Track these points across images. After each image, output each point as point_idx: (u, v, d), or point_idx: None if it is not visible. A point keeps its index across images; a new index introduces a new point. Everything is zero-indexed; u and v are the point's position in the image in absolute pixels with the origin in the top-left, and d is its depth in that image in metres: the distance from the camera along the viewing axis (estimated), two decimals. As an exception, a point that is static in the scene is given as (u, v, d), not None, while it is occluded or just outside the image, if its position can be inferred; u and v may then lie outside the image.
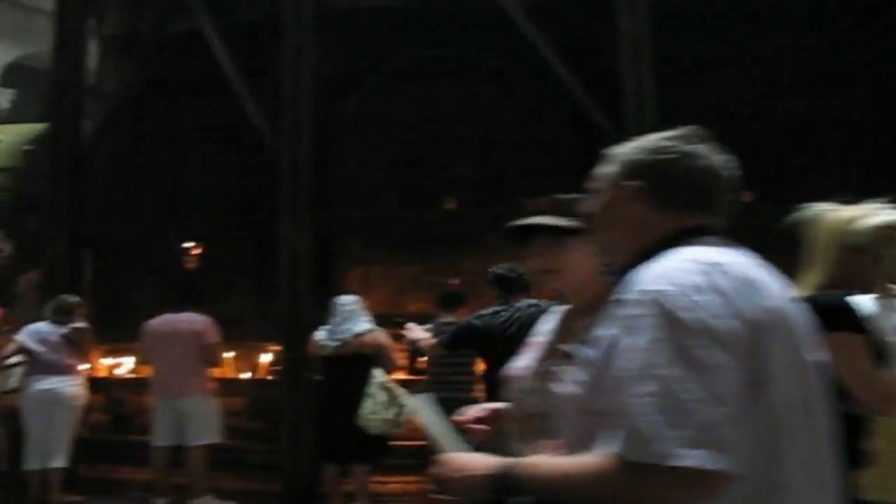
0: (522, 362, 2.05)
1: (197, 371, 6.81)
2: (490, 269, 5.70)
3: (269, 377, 7.48)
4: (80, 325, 7.14)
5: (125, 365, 7.91)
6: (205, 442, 6.68)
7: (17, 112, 16.43)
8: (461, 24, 7.72)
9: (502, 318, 5.26)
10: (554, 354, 2.00)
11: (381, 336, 6.32)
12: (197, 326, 6.80)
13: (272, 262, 7.70)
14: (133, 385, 7.71)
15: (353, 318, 6.40)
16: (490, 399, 5.66)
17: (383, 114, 8.09)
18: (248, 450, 6.96)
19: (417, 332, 5.84)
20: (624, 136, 5.37)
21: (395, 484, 6.69)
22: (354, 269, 7.77)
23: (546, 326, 2.11)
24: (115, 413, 7.73)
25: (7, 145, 10.17)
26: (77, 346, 7.09)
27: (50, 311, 7.16)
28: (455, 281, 7.64)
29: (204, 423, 6.70)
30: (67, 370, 7.02)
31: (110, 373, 7.98)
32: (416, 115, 8.08)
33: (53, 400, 6.91)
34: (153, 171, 8.51)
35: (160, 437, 6.77)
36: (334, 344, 6.37)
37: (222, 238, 8.06)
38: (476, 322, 5.47)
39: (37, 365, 6.95)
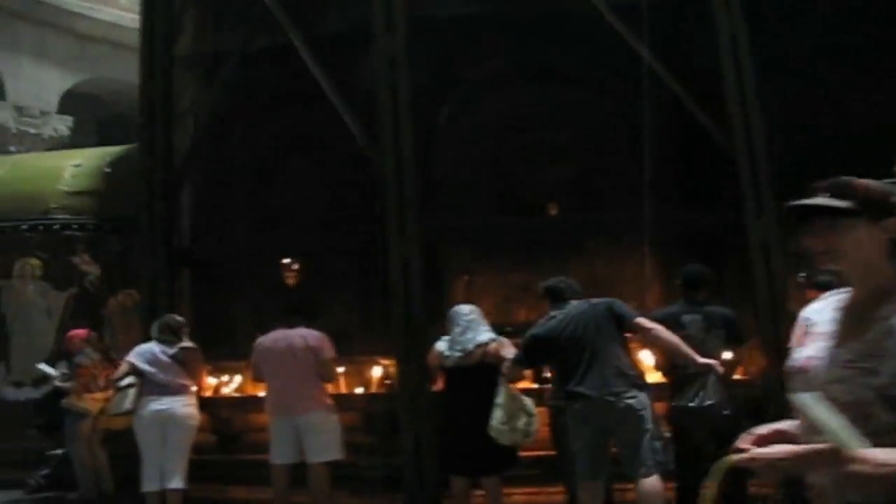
0: (807, 352, 1.96)
1: (315, 387, 6.73)
2: (539, 284, 5.82)
3: (382, 391, 7.39)
4: (187, 344, 7.11)
5: (230, 383, 7.85)
6: (327, 459, 6.60)
7: (73, 138, 16.57)
8: (551, 29, 7.64)
9: (558, 320, 5.45)
10: (845, 342, 1.91)
11: (506, 345, 6.26)
12: (312, 342, 6.74)
13: (374, 274, 7.65)
14: (239, 404, 7.65)
15: (475, 327, 6.36)
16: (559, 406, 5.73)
17: (475, 122, 8.02)
18: (365, 465, 6.87)
19: (507, 350, 5.91)
20: (728, 136, 5.32)
21: (520, 495, 6.58)
22: (458, 278, 7.68)
23: (822, 315, 2.00)
24: (222, 432, 7.67)
25: (87, 169, 10.19)
26: (187, 365, 7.06)
27: (156, 332, 7.15)
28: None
29: (325, 440, 6.62)
30: (180, 390, 6.99)
31: (216, 392, 7.92)
32: (507, 121, 8.01)
33: (168, 420, 6.88)
34: (244, 187, 8.49)
35: (279, 455, 6.69)
36: (457, 354, 6.31)
37: (321, 252, 7.98)
38: (537, 332, 5.61)
39: (149, 386, 6.92)
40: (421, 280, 7.02)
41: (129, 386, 6.97)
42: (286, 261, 8.12)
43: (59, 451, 9.07)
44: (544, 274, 7.69)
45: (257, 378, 7.07)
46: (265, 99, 8.27)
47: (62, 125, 16.72)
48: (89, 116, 17.45)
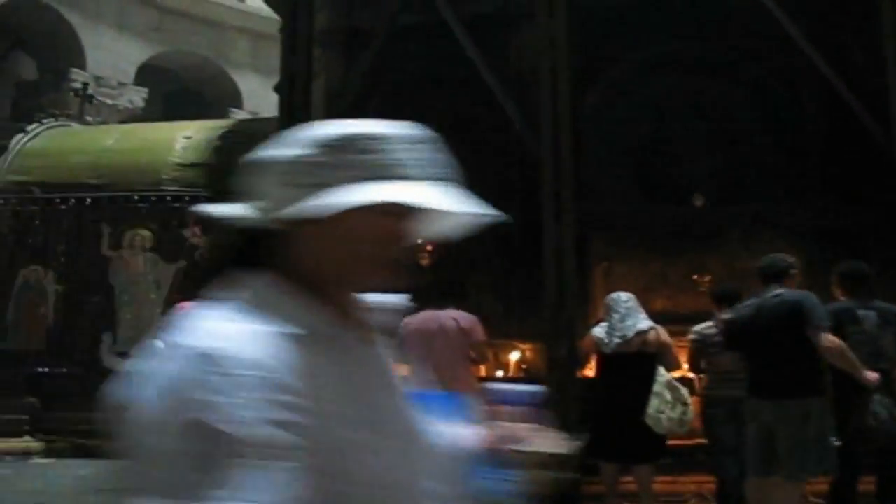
0: None
1: (466, 369, 6.60)
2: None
3: (520, 375, 7.26)
4: None
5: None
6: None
7: (145, 111, 16.52)
8: (706, 19, 7.47)
9: (751, 308, 5.31)
10: None
11: (664, 334, 6.13)
12: (465, 323, 6.58)
13: (514, 258, 7.52)
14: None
15: (633, 315, 6.22)
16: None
17: (622, 108, 7.86)
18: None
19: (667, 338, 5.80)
20: (887, 132, 5.13)
21: (667, 484, 6.46)
22: (599, 265, 7.54)
23: None
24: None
25: (198, 141, 10.09)
26: None
27: None
28: (704, 278, 7.44)
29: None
30: None
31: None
32: (657, 110, 7.85)
33: None
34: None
35: None
36: (616, 341, 6.17)
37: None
38: (735, 316, 5.49)
39: None
40: (573, 267, 6.87)
41: None
42: (419, 241, 7.94)
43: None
44: (683, 264, 7.63)
45: (401, 360, 6.94)
46: (405, 79, 8.09)
47: (138, 97, 16.65)
48: (160, 90, 17.36)
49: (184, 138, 10.19)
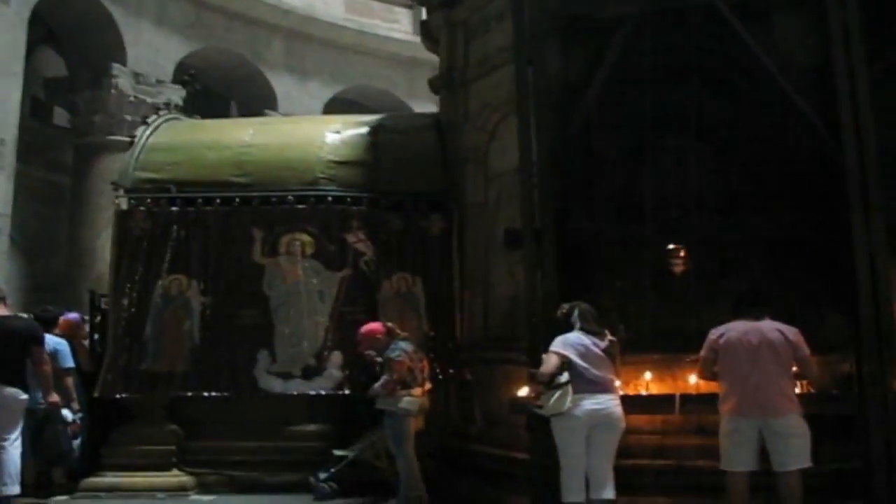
0: None
1: (792, 385, 5.92)
2: None
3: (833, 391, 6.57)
4: (613, 337, 6.20)
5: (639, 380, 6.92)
6: (802, 466, 5.76)
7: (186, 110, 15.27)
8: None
9: None
10: None
11: None
12: (791, 336, 5.92)
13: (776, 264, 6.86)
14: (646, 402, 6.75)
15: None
16: None
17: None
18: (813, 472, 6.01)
19: None
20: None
21: None
22: None
23: None
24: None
25: (349, 137, 9.08)
26: (615, 359, 6.14)
27: (579, 320, 6.19)
28: None
29: (800, 445, 5.77)
30: (612, 387, 6.07)
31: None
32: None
33: (603, 421, 5.94)
34: (617, 167, 7.56)
35: (740, 462, 5.85)
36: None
37: (707, 239, 7.12)
38: None
39: (581, 382, 5.98)
40: (887, 277, 6.22)
41: (567, 383, 5.99)
42: (671, 247, 7.19)
43: (344, 452, 8.00)
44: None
45: (709, 375, 6.16)
46: (645, 71, 7.32)
47: (176, 95, 15.38)
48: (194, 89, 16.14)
49: (333, 133, 9.15)
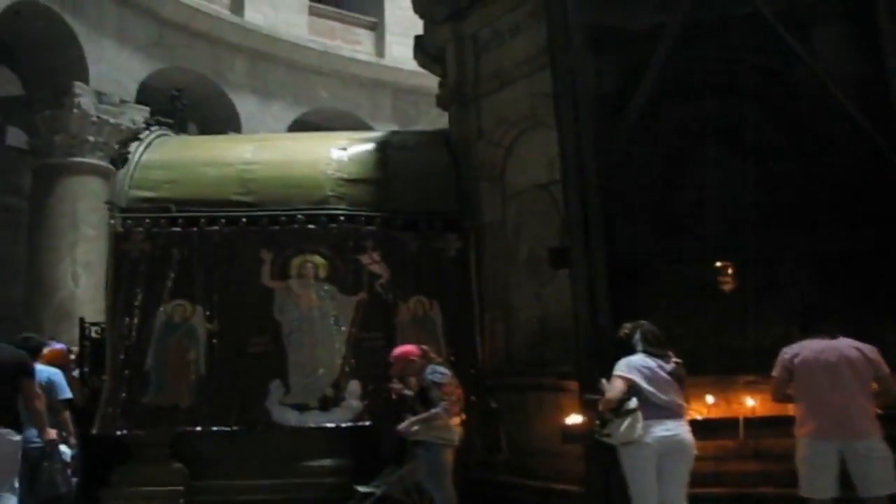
0: None
1: (872, 406, 5.64)
2: None
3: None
4: (678, 360, 5.86)
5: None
6: (891, 491, 5.49)
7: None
8: None
9: None
10: None
11: None
12: (871, 354, 5.67)
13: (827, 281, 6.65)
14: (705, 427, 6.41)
15: None
16: None
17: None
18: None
19: None
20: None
21: None
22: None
23: None
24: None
25: (357, 154, 8.64)
26: (682, 383, 5.80)
27: (642, 342, 5.83)
28: None
29: (885, 468, 5.51)
30: (681, 412, 5.72)
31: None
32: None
33: (676, 449, 5.58)
34: (659, 181, 7.27)
35: (822, 488, 5.56)
36: None
37: (755, 256, 6.88)
38: None
39: (650, 408, 5.62)
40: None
41: (636, 409, 5.61)
42: (718, 263, 6.91)
43: (369, 489, 7.50)
44: None
45: (781, 397, 5.87)
46: (679, 84, 7.08)
47: (140, 116, 14.71)
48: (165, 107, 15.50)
49: (339, 150, 8.69)
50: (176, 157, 8.56)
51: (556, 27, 7.01)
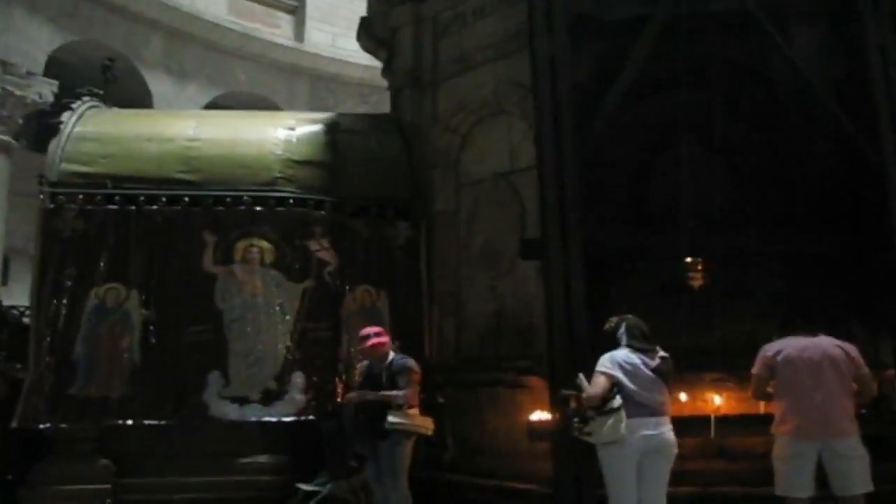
0: None
1: (853, 405, 5.60)
2: None
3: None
4: (664, 354, 5.69)
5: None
6: (867, 490, 5.46)
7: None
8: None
9: None
10: None
11: None
12: (852, 352, 5.63)
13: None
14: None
15: None
16: None
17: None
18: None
19: None
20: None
21: None
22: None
23: None
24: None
25: (307, 135, 8.23)
26: (668, 380, 5.63)
27: (626, 336, 5.63)
28: None
29: (865, 468, 5.48)
30: (665, 411, 5.55)
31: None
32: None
33: (658, 449, 5.43)
34: (627, 176, 7.12)
35: (800, 487, 5.48)
36: None
37: (729, 254, 6.81)
38: None
39: (633, 406, 5.43)
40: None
41: (620, 407, 5.40)
42: (689, 260, 6.80)
43: (312, 487, 7.13)
44: None
45: (761, 395, 5.78)
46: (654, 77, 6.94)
47: (48, 90, 13.87)
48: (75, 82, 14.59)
49: (287, 129, 8.25)
50: (112, 131, 7.95)
51: (538, 11, 6.74)
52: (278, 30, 18.47)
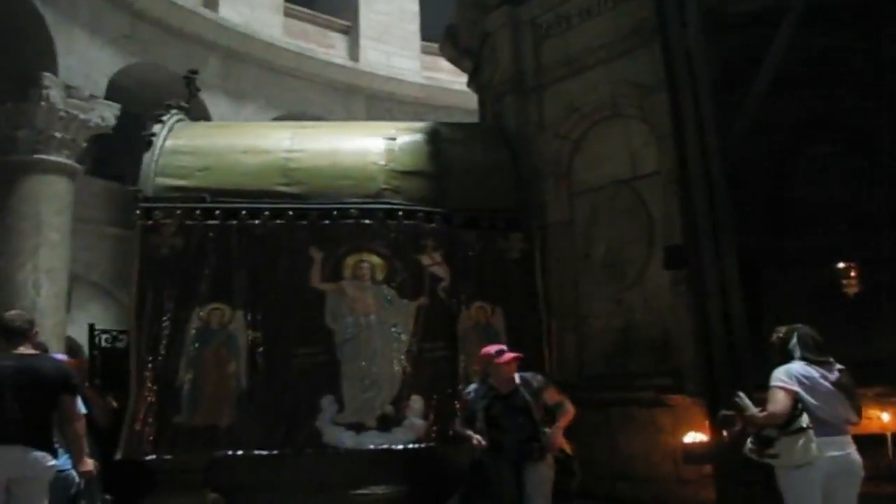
0: None
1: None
2: None
3: None
4: (842, 366, 5.11)
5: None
6: None
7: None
8: None
9: None
10: None
11: None
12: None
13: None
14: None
15: None
16: None
17: None
18: None
19: None
20: None
21: None
22: None
23: None
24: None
25: (408, 144, 7.77)
26: (851, 395, 5.05)
27: (800, 348, 5.06)
28: None
29: None
30: (847, 429, 4.97)
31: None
32: None
33: (846, 471, 4.85)
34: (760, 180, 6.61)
35: None
36: None
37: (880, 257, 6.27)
38: None
39: (814, 424, 4.86)
40: None
41: (808, 427, 4.83)
42: (842, 265, 6.26)
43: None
44: None
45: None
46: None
47: (110, 113, 13.56)
48: (138, 105, 14.29)
49: (388, 139, 7.80)
50: (205, 143, 7.53)
51: (670, 4, 6.28)
52: (333, 50, 18.20)
